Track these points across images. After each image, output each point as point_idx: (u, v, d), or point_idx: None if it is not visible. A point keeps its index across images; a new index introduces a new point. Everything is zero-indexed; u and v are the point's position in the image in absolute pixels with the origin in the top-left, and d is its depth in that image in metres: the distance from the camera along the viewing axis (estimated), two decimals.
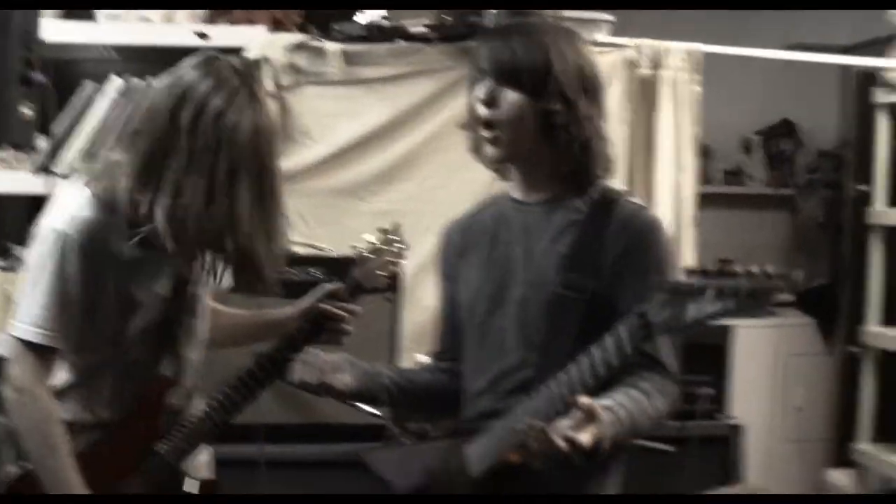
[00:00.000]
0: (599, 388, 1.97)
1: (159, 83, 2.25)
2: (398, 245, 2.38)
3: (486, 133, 2.16)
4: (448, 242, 2.37)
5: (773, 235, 5.61)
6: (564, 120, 2.13)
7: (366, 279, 2.38)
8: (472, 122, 2.21)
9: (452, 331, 2.34)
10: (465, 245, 2.31)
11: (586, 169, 2.19)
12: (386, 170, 4.11)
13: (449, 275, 2.35)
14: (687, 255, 4.37)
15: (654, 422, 2.09)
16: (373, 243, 2.38)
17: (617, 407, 1.98)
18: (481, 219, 2.32)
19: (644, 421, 2.06)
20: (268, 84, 3.86)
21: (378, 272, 2.38)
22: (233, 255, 2.21)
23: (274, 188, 2.23)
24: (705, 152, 5.18)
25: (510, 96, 2.13)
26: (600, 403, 1.93)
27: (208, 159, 2.12)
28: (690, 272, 1.77)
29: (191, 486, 2.37)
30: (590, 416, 1.89)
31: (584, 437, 1.87)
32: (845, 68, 4.93)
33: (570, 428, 1.88)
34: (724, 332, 3.94)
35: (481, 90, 2.15)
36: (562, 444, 1.86)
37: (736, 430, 3.84)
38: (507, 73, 2.13)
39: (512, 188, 2.27)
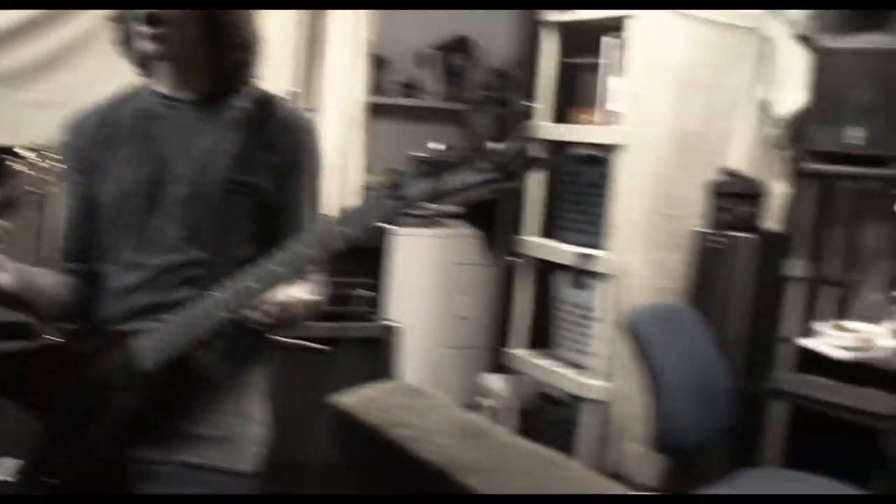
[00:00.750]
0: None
1: None
2: (53, 162, 2.25)
3: (146, 29, 2.08)
4: (79, 135, 2.25)
5: None
6: (230, 20, 2.11)
7: (17, 196, 2.25)
8: (125, 16, 2.12)
9: (84, 229, 2.25)
10: (102, 139, 2.22)
11: (244, 69, 2.18)
12: (47, 57, 3.92)
13: (81, 169, 2.24)
14: (355, 161, 4.43)
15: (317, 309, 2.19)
16: (27, 158, 2.24)
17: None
18: (120, 113, 2.23)
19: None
20: None
21: (31, 189, 2.25)
22: None
23: None
24: (380, 63, 5.23)
25: None
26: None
27: None
28: (448, 147, 1.79)
29: None
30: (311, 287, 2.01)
31: (313, 300, 2.00)
32: None
33: (301, 294, 1.99)
34: (382, 236, 4.01)
35: None
36: (301, 310, 1.99)
37: (390, 331, 3.94)
38: None
39: (156, 83, 2.20)
